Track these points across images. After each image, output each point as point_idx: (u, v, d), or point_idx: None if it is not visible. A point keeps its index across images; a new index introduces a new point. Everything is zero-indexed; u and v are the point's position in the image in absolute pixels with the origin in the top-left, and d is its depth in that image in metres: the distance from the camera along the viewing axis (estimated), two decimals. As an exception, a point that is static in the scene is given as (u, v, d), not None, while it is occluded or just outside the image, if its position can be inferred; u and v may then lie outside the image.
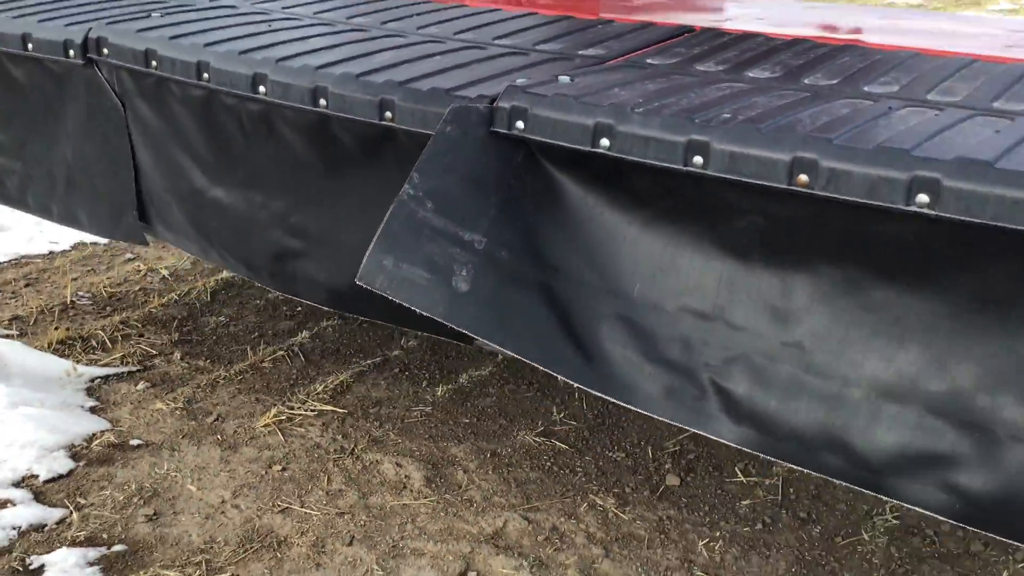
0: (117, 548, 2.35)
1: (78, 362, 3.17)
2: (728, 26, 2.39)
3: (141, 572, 2.27)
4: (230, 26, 2.33)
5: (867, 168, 1.38)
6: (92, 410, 2.95)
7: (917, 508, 1.49)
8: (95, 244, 4.22)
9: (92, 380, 3.11)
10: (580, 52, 2.12)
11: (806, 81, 1.85)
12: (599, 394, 1.73)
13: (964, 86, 1.75)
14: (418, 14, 2.50)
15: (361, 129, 1.95)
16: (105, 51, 2.29)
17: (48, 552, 2.32)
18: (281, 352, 3.32)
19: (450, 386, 3.16)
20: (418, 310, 1.64)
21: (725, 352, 1.63)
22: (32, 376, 3.04)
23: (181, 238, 2.45)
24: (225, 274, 3.96)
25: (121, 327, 3.46)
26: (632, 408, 1.71)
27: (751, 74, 1.91)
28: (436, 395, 3.10)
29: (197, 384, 3.10)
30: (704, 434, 1.67)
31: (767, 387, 1.59)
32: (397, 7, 2.59)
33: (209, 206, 2.31)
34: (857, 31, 2.36)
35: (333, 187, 2.10)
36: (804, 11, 3.07)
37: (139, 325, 3.49)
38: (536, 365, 1.71)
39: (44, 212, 2.72)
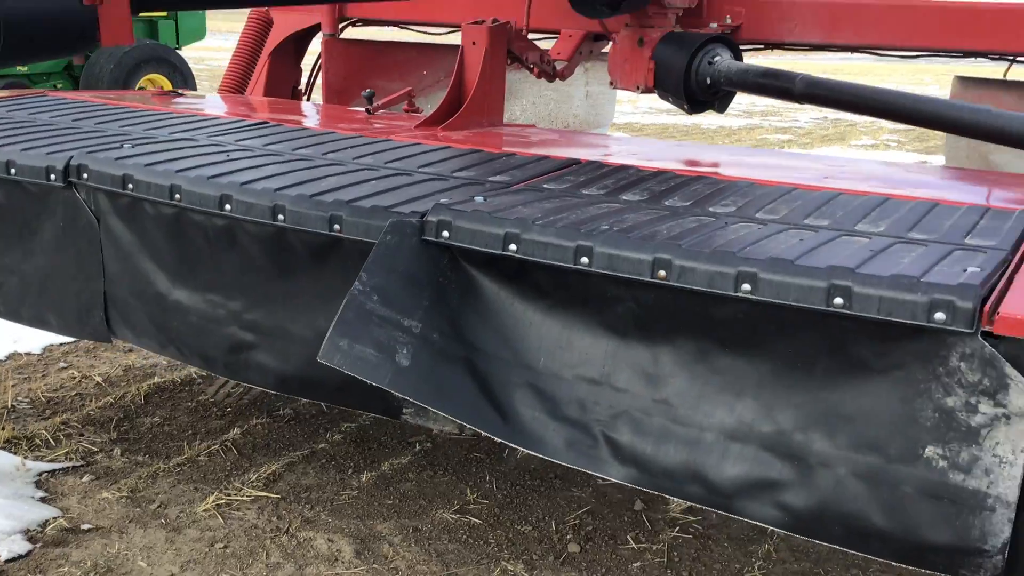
0: (78, 615, 2.61)
1: (25, 458, 3.41)
2: (607, 160, 2.92)
3: (103, 634, 2.53)
4: (194, 155, 2.74)
5: (706, 265, 1.87)
6: (43, 500, 3.19)
7: (757, 522, 1.93)
8: (29, 354, 4.47)
9: (40, 474, 3.35)
10: (489, 179, 2.59)
11: (666, 203, 2.35)
12: (515, 446, 2.13)
13: (783, 208, 2.28)
14: (352, 147, 2.96)
15: (311, 238, 2.37)
16: (85, 176, 2.67)
17: (15, 620, 2.56)
18: (215, 447, 3.62)
19: (373, 473, 3.50)
20: (369, 381, 2.04)
21: (611, 410, 2.06)
22: (-17, 470, 3.27)
23: (141, 336, 2.79)
24: (156, 379, 4.25)
25: (63, 427, 3.71)
26: (542, 456, 2.12)
27: (624, 197, 2.41)
28: (361, 481, 3.44)
29: (139, 476, 3.38)
30: (598, 475, 2.09)
31: (644, 435, 2.02)
32: (334, 141, 3.04)
33: (171, 307, 2.67)
34: (708, 165, 2.91)
35: (285, 287, 2.49)
36: (668, 148, 3.66)
37: (79, 425, 3.75)
38: (464, 423, 2.12)
39: (13, 316, 3.02)
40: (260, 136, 3.09)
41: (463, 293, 2.18)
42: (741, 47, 3.84)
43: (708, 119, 16.58)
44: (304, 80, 4.61)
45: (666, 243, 1.94)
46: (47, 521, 3.06)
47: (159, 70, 10.77)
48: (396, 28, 4.53)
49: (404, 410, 2.39)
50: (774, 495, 1.89)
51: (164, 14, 11.33)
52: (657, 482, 2.01)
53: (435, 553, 3.01)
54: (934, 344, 1.74)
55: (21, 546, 2.91)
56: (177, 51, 11.24)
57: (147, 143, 2.89)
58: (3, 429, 3.60)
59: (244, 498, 3.26)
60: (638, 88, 3.79)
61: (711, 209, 2.27)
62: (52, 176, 2.72)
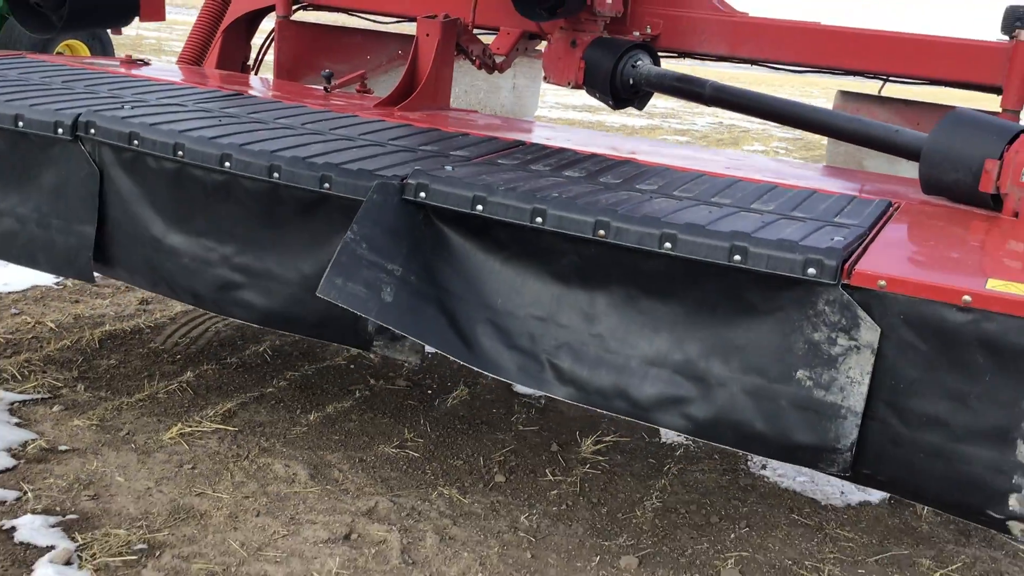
0: (71, 516, 2.95)
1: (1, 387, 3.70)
2: (548, 143, 3.40)
3: (95, 531, 2.88)
4: (188, 119, 3.10)
5: (637, 227, 2.36)
6: (18, 425, 3.50)
7: (668, 429, 2.43)
8: (-21, 300, 4.70)
9: (12, 403, 3.65)
10: (451, 152, 3.03)
11: (600, 180, 2.84)
12: (477, 369, 2.59)
13: (695, 188, 2.79)
14: (325, 119, 3.36)
15: (302, 195, 2.77)
16: (92, 131, 3.00)
17: (15, 518, 2.89)
18: (172, 387, 3.97)
19: (319, 413, 3.90)
20: (359, 313, 2.47)
21: (555, 341, 2.53)
22: (-40, 397, 3.55)
23: (135, 275, 3.14)
24: (107, 327, 4.55)
25: (26, 364, 3.99)
26: (498, 377, 2.58)
27: (566, 173, 2.89)
28: (309, 419, 3.84)
29: (105, 408, 3.70)
30: (544, 392, 2.57)
31: (581, 362, 2.51)
32: (308, 113, 3.43)
33: (166, 250, 3.02)
34: (632, 152, 3.41)
35: (272, 235, 2.88)
36: (596, 137, 4.16)
37: (41, 364, 4.03)
38: (437, 349, 2.57)
39: (4, 254, 3.31)
40: (241, 105, 3.45)
41: (435, 244, 2.62)
42: (659, 54, 4.38)
43: (611, 118, 17.28)
44: (253, 57, 4.95)
45: (605, 209, 2.43)
46: (26, 442, 3.37)
47: (77, 36, 10.75)
48: (344, 15, 4.91)
49: (374, 343, 2.82)
50: (682, 408, 2.40)
51: None
52: (591, 399, 2.50)
53: (380, 479, 3.44)
54: (806, 293, 2.27)
55: (6, 461, 3.22)
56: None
57: (142, 106, 3.23)
58: (-28, 363, 3.87)
59: (205, 429, 3.62)
60: (569, 84, 4.28)
61: (637, 186, 2.77)
62: (60, 130, 3.04)
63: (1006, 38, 3.74)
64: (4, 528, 2.85)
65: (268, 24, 4.99)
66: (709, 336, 2.39)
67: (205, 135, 2.88)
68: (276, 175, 2.75)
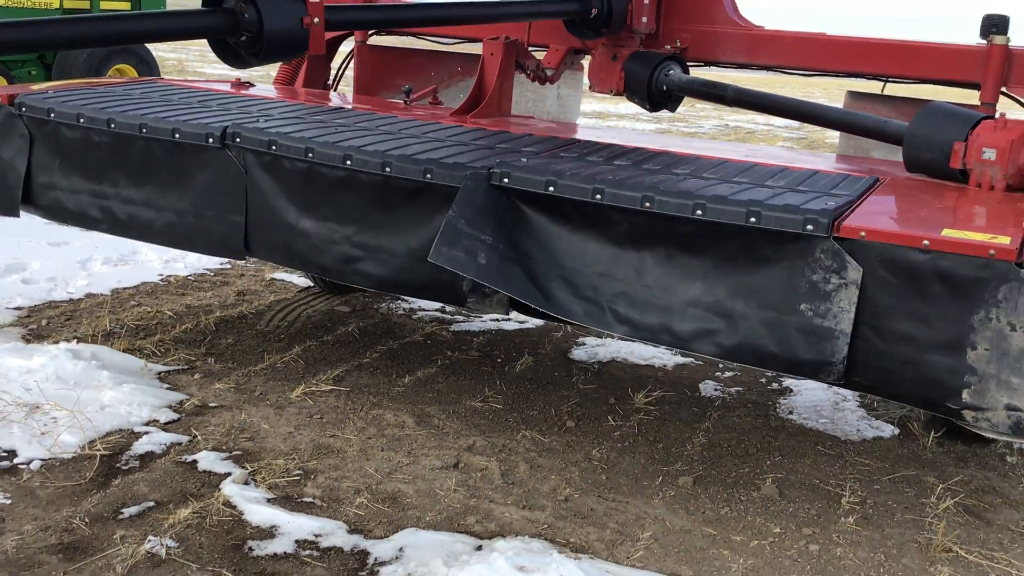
0: (236, 452, 3.65)
1: (147, 361, 4.41)
2: (598, 140, 4.10)
3: (258, 462, 3.58)
4: (311, 128, 3.81)
5: (675, 199, 3.05)
6: (169, 389, 4.20)
7: (702, 354, 3.11)
8: (102, 295, 5.41)
9: (159, 373, 4.36)
10: (522, 148, 3.74)
11: (644, 167, 3.53)
12: (552, 314, 3.27)
13: (720, 171, 3.48)
14: (416, 126, 4.06)
15: (408, 184, 3.46)
16: (238, 140, 3.71)
17: (194, 454, 3.60)
18: (286, 359, 4.67)
19: (412, 377, 4.60)
20: (462, 272, 3.16)
21: (613, 291, 3.21)
22: (120, 367, 4.26)
23: (274, 254, 3.83)
24: (217, 313, 5.26)
25: (160, 343, 4.70)
26: (569, 320, 3.27)
27: (616, 162, 3.58)
28: (404, 382, 4.54)
29: (236, 375, 4.41)
30: (605, 330, 3.25)
31: (634, 306, 3.18)
32: (401, 121, 4.14)
33: (299, 233, 3.72)
34: (666, 146, 4.09)
35: (385, 218, 3.58)
36: (635, 135, 4.86)
37: (172, 343, 4.74)
38: (518, 298, 3.26)
39: (167, 241, 4.02)
40: (347, 116, 4.16)
41: (517, 218, 3.32)
42: (688, 63, 5.07)
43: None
44: (333, 76, 5.65)
45: (649, 186, 3.12)
46: (181, 401, 4.07)
47: (128, 61, 11.52)
48: (412, 37, 5.61)
49: (468, 300, 3.51)
50: (714, 337, 3.08)
51: (127, 6, 12.05)
52: (642, 334, 3.18)
53: (472, 425, 4.14)
54: (806, 244, 2.93)
55: (170, 415, 3.93)
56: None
57: (271, 119, 3.94)
58: (119, 342, 4.58)
59: (323, 389, 4.33)
60: (611, 91, 4.99)
61: (674, 171, 3.47)
62: (211, 140, 3.75)
63: (984, 42, 4.42)
64: (188, 461, 3.55)
65: (345, 47, 5.70)
66: (732, 282, 3.06)
67: (328, 140, 3.59)
68: (388, 169, 3.45)
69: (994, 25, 4.34)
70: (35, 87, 4.48)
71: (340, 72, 5.63)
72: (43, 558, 2.88)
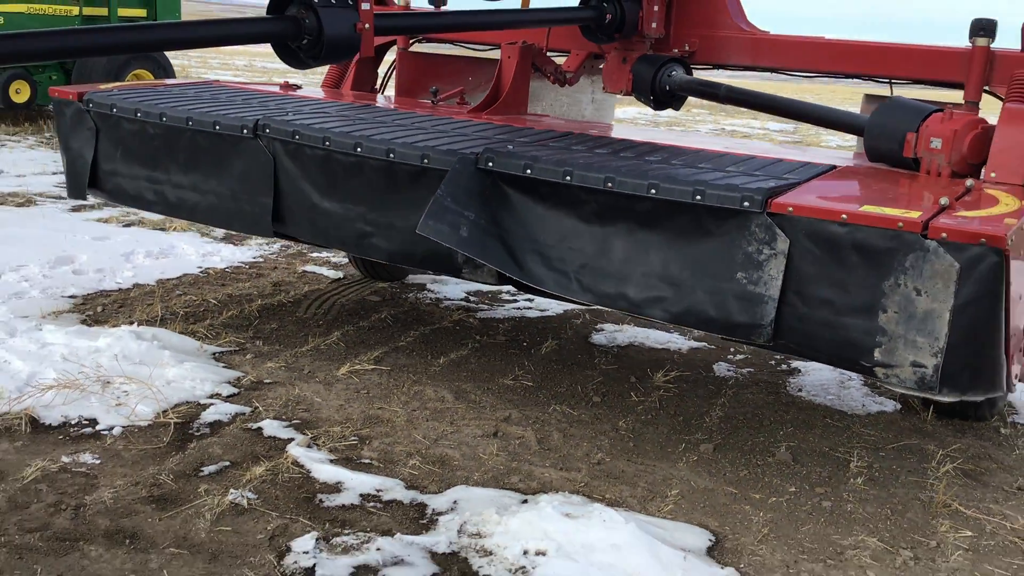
0: (295, 421, 3.98)
1: (202, 342, 4.73)
2: (590, 133, 4.45)
3: (317, 429, 3.91)
4: (332, 121, 4.17)
5: (633, 179, 3.36)
6: (225, 367, 4.52)
7: (653, 319, 3.43)
8: (148, 284, 5.73)
9: (214, 354, 4.68)
10: (516, 138, 4.08)
11: (621, 154, 3.84)
12: (526, 282, 3.61)
13: (690, 158, 3.79)
14: (429, 120, 4.42)
15: (409, 167, 3.80)
16: (267, 130, 4.08)
17: (258, 422, 3.92)
18: (329, 342, 5.00)
19: (446, 358, 4.93)
20: (445, 244, 3.52)
21: (579, 263, 3.53)
22: (179, 348, 4.59)
23: (300, 230, 4.20)
24: (259, 302, 5.58)
25: (210, 328, 5.03)
26: (540, 288, 3.60)
27: (597, 151, 3.89)
28: (440, 363, 4.87)
29: (285, 356, 4.73)
30: (570, 297, 3.57)
31: (596, 276, 3.50)
32: (418, 116, 4.50)
33: (320, 212, 4.08)
34: (650, 138, 4.41)
35: (392, 198, 3.92)
36: (626, 130, 5.21)
37: (221, 327, 5.07)
38: (495, 267, 3.60)
39: (209, 220, 4.41)
40: (369, 112, 4.53)
41: (499, 197, 3.68)
42: (695, 66, 5.41)
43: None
44: (380, 80, 6.02)
45: (613, 168, 3.48)
46: (238, 378, 4.40)
47: (145, 66, 11.84)
48: (451, 44, 5.96)
49: (463, 270, 3.86)
50: (663, 304, 3.41)
51: (143, 13, 12.37)
52: (602, 301, 3.53)
53: (507, 400, 4.47)
54: (744, 219, 3.24)
55: (230, 389, 4.25)
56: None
57: (300, 114, 4.30)
58: (173, 326, 4.90)
59: (366, 368, 4.65)
60: (622, 91, 5.34)
61: (647, 157, 3.82)
62: (245, 131, 4.12)
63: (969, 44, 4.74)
64: (253, 428, 3.88)
65: (391, 55, 6.05)
66: (681, 254, 3.39)
67: (343, 130, 3.97)
68: (391, 155, 3.82)
69: (982, 28, 4.65)
70: (101, 86, 4.84)
71: (387, 76, 5.98)
72: (138, 507, 3.20)
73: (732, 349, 5.49)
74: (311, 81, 6.29)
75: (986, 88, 4.63)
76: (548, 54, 5.51)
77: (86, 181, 4.66)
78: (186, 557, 2.95)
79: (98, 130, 4.63)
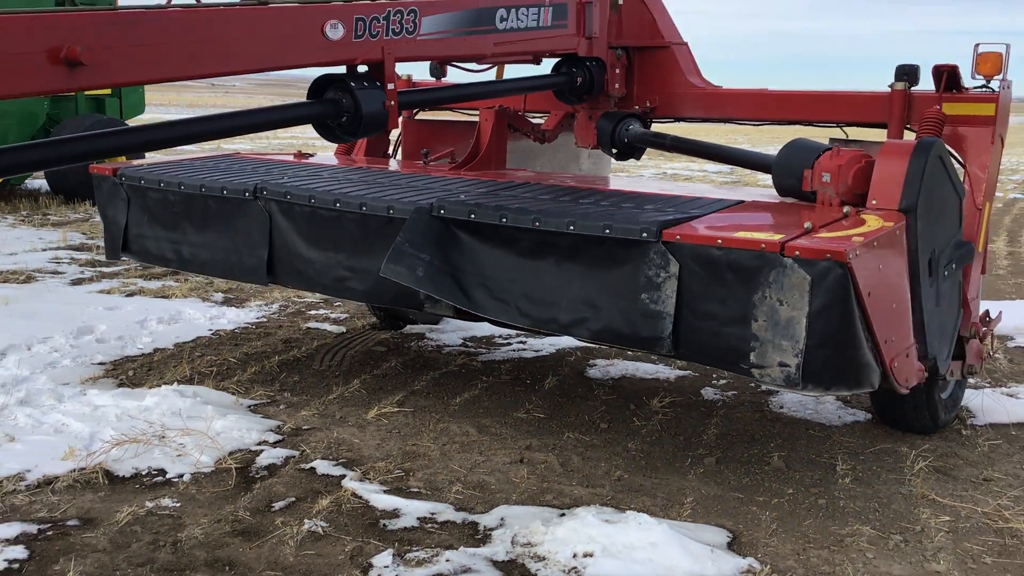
0: (342, 460, 4.38)
1: (237, 397, 5.11)
2: (545, 182, 5.02)
3: (363, 466, 4.31)
4: (321, 182, 4.75)
5: (555, 219, 3.90)
6: (264, 417, 4.91)
7: (577, 339, 4.02)
8: (165, 348, 6.09)
9: (249, 406, 5.06)
10: (476, 189, 4.63)
11: (561, 198, 4.40)
12: (474, 312, 4.16)
13: (615, 199, 4.38)
14: (408, 178, 4.98)
15: (378, 219, 4.35)
16: (264, 192, 4.65)
17: (309, 463, 4.32)
18: (351, 390, 5.41)
19: (461, 398, 5.37)
20: (404, 283, 4.07)
21: (518, 292, 4.06)
22: (218, 402, 4.97)
23: (289, 278, 4.81)
24: (277, 358, 5.97)
25: (239, 383, 5.41)
26: (485, 315, 4.17)
27: (540, 196, 4.45)
28: (456, 402, 5.31)
29: (315, 404, 5.13)
30: (510, 322, 4.14)
31: (532, 303, 4.04)
32: (400, 175, 5.07)
33: (306, 261, 4.66)
34: (595, 184, 5.00)
35: (364, 246, 4.45)
36: (579, 178, 5.79)
37: (249, 383, 5.45)
38: (445, 300, 4.16)
39: (215, 273, 5.04)
40: (358, 173, 5.16)
41: (450, 239, 4.22)
42: (657, 119, 5.98)
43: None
44: (392, 146, 6.57)
45: (540, 210, 4.07)
46: (278, 426, 4.79)
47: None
48: (450, 111, 6.55)
49: (425, 305, 4.41)
50: (586, 324, 3.96)
51: (109, 91, 12.72)
52: (537, 324, 4.09)
53: (524, 431, 4.91)
54: (644, 248, 3.78)
55: (275, 436, 4.64)
56: (124, 123, 12.64)
57: (295, 178, 4.92)
58: (208, 382, 5.28)
59: (392, 411, 5.07)
60: (590, 145, 5.92)
61: (580, 200, 4.41)
62: (246, 193, 4.74)
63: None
64: (306, 468, 4.28)
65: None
66: (596, 281, 3.95)
67: (327, 189, 4.61)
68: (364, 208, 4.41)
69: (905, 74, 5.12)
70: (134, 162, 5.43)
71: (397, 143, 6.52)
72: (227, 540, 3.58)
73: (714, 375, 6.01)
74: (330, 147, 6.75)
75: (908, 127, 5.11)
76: (528, 115, 6.08)
77: (120, 244, 5.30)
78: (282, 578, 3.34)
79: (129, 200, 5.23)
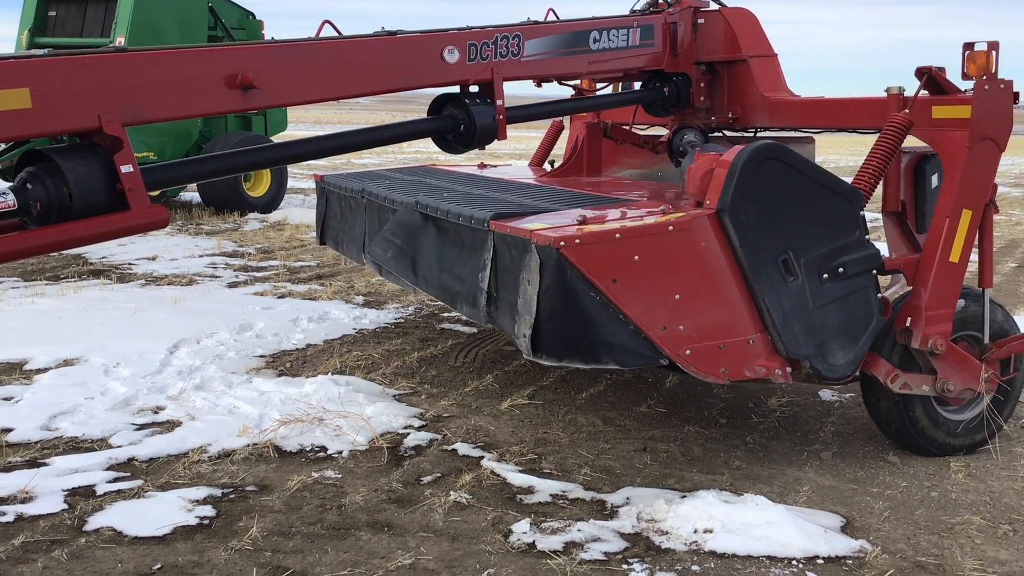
0: (480, 444, 4.81)
1: (383, 387, 5.61)
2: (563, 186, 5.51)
3: (499, 449, 4.73)
4: (419, 189, 5.29)
5: (434, 204, 4.64)
6: (408, 405, 5.39)
7: (461, 315, 4.68)
8: (299, 349, 6.66)
9: (394, 396, 5.56)
10: (490, 191, 5.22)
11: (518, 193, 4.92)
12: (412, 284, 4.85)
13: (532, 193, 4.86)
14: (491, 183, 5.50)
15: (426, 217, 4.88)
16: (369, 193, 5.35)
17: (451, 445, 4.77)
18: (484, 384, 5.85)
19: (586, 393, 5.74)
20: (377, 262, 5.22)
21: (432, 267, 4.69)
22: (368, 391, 5.48)
23: (370, 255, 5.54)
24: (415, 354, 6.47)
25: (384, 376, 5.92)
26: (416, 287, 5.26)
27: (512, 191, 4.92)
28: (582, 396, 5.68)
29: (452, 396, 5.59)
30: (429, 293, 4.46)
31: (436, 277, 4.65)
32: (488, 181, 5.59)
33: (378, 241, 5.28)
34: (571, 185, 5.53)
35: (430, 240, 4.90)
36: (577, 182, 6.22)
37: (391, 375, 5.95)
38: (400, 275, 5.03)
39: (338, 249, 5.93)
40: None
41: (418, 229, 4.82)
42: (742, 129, 6.17)
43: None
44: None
45: (449, 200, 4.71)
46: (421, 413, 5.26)
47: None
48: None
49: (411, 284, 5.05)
50: (454, 296, 4.54)
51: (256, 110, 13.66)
52: (438, 294, 4.72)
53: (647, 423, 5.25)
54: (480, 235, 4.28)
55: (419, 422, 5.11)
56: (269, 140, 13.55)
57: (390, 183, 5.65)
58: (358, 374, 5.81)
59: (523, 403, 5.48)
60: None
61: (518, 195, 5.01)
62: (358, 193, 5.58)
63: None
64: (449, 449, 4.73)
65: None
66: (464, 260, 4.49)
67: (394, 193, 5.29)
68: (418, 209, 4.98)
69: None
70: (335, 172, 6.71)
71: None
72: (384, 506, 4.05)
73: (833, 378, 6.21)
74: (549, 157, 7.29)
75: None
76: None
77: (320, 232, 6.63)
78: (433, 539, 3.78)
79: (328, 199, 6.47)
